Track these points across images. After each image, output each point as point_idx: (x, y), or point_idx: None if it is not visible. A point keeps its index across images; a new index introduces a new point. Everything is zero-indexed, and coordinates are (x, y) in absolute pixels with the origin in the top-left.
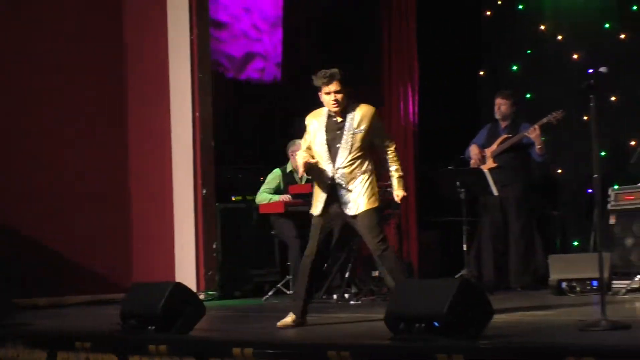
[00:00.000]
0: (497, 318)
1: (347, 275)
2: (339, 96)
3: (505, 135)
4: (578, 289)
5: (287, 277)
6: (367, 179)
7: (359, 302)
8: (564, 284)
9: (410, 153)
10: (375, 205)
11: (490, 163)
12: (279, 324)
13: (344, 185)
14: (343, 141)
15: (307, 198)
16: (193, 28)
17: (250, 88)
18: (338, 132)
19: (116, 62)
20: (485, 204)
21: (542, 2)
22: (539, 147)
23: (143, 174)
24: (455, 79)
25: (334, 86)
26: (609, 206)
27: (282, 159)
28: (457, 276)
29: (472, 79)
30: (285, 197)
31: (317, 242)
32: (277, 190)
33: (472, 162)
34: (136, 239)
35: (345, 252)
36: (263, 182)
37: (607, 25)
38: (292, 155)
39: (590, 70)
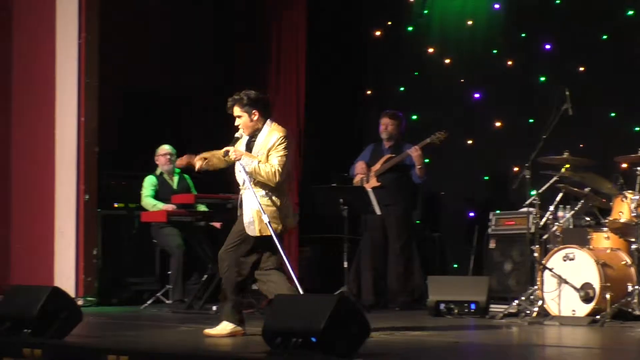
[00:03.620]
0: (374, 336)
1: None
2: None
3: (389, 155)
4: (456, 310)
5: (167, 286)
6: None
7: None
8: (442, 305)
9: (295, 169)
10: None
11: (373, 182)
12: None
13: None
14: None
15: (190, 208)
16: (82, 32)
17: (140, 97)
18: None
19: (3, 62)
20: (366, 222)
21: (431, 26)
22: (419, 167)
23: (25, 177)
24: (342, 97)
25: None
26: (489, 230)
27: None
28: (336, 293)
29: (359, 98)
30: (170, 207)
31: None
32: (155, 195)
33: (356, 178)
34: (16, 242)
35: None
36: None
37: (494, 51)
38: (157, 159)
39: (477, 95)
